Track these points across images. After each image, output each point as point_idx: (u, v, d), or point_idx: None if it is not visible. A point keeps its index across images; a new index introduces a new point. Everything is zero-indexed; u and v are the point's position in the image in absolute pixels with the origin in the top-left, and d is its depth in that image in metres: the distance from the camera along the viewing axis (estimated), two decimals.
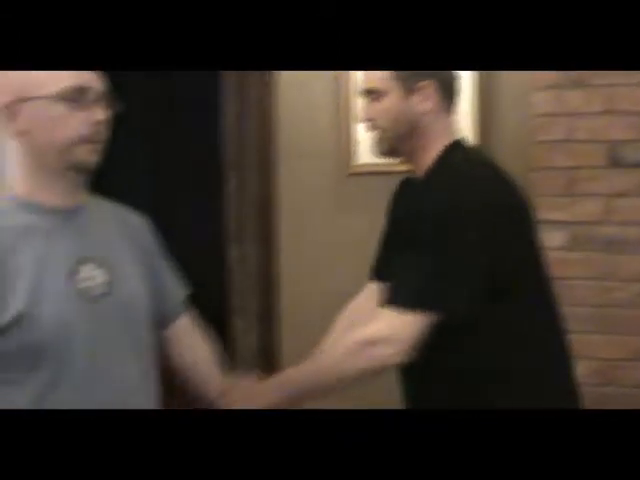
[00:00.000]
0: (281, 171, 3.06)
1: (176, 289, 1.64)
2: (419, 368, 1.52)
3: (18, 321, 1.31)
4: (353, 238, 1.89)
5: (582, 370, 2.35)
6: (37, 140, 1.39)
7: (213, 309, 3.98)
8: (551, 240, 2.36)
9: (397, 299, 1.43)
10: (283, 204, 2.98)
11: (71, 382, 1.35)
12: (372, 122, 1.58)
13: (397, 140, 1.56)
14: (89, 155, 1.41)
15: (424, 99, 1.52)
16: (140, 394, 1.46)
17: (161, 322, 1.58)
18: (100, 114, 1.40)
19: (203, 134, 5.63)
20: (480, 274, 1.43)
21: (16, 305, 1.32)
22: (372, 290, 1.75)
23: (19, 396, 1.34)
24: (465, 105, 2.63)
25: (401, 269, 1.47)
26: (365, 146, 2.87)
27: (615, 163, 2.28)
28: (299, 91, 2.97)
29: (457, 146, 1.57)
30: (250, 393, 1.53)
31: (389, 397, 1.70)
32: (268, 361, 3.35)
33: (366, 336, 1.46)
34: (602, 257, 2.31)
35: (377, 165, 2.82)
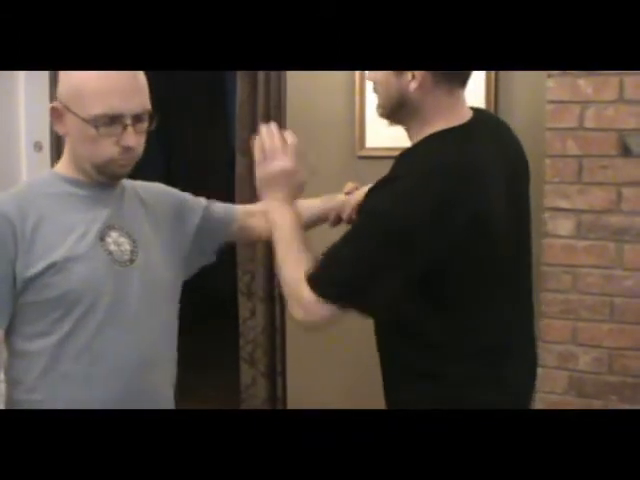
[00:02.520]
0: None
1: (216, 208, 1.78)
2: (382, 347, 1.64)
3: (51, 268, 1.41)
4: None
5: (588, 359, 2.37)
6: (74, 146, 1.51)
7: (224, 290, 4.03)
8: (560, 228, 2.37)
9: (317, 286, 1.46)
10: None
11: (92, 332, 1.45)
12: (373, 85, 1.61)
13: (389, 109, 1.57)
14: (119, 170, 1.50)
15: (414, 77, 1.48)
16: (161, 346, 1.58)
17: (227, 230, 1.78)
18: (130, 140, 1.45)
19: (213, 119, 5.64)
20: (403, 275, 1.45)
21: (49, 259, 1.41)
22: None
23: (40, 348, 1.44)
24: (477, 90, 2.63)
25: (331, 248, 1.50)
26: (375, 130, 2.88)
27: (625, 152, 2.28)
28: (310, 73, 2.96)
29: (438, 137, 1.51)
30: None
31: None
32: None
33: (303, 292, 1.48)
34: (610, 246, 2.32)
35: (387, 149, 2.83)
